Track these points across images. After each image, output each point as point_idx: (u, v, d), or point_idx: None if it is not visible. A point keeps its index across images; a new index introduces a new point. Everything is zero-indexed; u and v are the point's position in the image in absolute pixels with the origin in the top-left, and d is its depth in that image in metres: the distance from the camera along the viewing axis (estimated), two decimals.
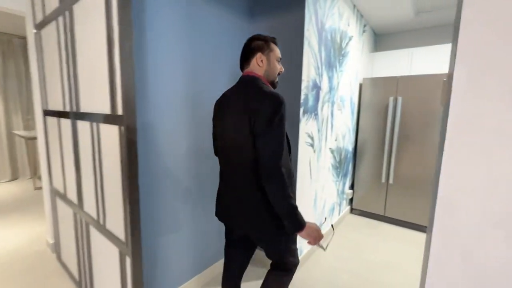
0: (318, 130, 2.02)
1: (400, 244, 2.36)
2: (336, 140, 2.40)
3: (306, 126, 1.82)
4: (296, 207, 0.93)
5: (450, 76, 0.52)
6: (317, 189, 2.10)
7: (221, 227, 1.84)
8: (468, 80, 0.49)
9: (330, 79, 2.12)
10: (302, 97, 1.70)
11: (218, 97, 1.15)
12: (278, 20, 1.73)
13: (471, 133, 0.50)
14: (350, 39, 2.45)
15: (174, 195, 1.47)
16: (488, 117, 0.48)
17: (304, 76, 1.69)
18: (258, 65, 1.04)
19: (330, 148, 2.29)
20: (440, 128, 0.58)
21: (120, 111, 0.99)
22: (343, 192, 2.78)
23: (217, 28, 1.61)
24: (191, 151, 1.54)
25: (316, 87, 1.90)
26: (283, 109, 0.91)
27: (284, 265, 1.12)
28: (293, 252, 1.11)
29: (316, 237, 0.98)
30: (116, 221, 1.11)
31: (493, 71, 0.47)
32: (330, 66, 2.10)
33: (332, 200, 2.47)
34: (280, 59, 1.10)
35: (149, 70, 1.27)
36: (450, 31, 2.88)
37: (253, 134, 0.92)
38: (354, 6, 2.47)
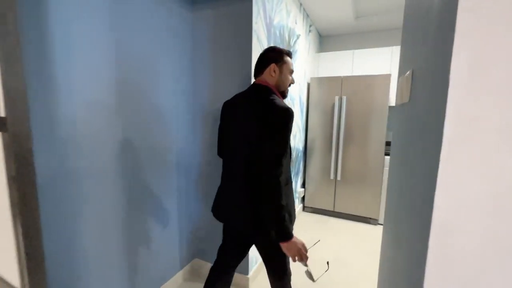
0: None
1: (349, 237, 2.45)
2: None
3: None
4: (284, 216, 0.93)
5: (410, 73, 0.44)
6: None
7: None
8: (470, 74, 0.41)
9: None
10: None
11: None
12: (224, 9, 1.57)
13: (473, 138, 0.43)
14: (298, 37, 2.44)
15: (102, 219, 1.19)
16: (493, 117, 0.41)
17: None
18: (270, 75, 1.09)
19: None
20: (433, 134, 0.49)
21: (1, 112, 0.70)
22: (295, 191, 2.78)
23: (151, 14, 1.37)
24: (125, 163, 1.27)
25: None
26: (291, 123, 0.97)
27: (280, 266, 1.11)
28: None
29: (295, 254, 0.96)
30: (6, 260, 0.81)
31: (496, 64, 0.40)
32: None
33: None
34: (293, 71, 1.14)
35: (59, 59, 0.97)
36: (389, 35, 3.11)
37: (258, 140, 0.97)
38: (301, 4, 2.47)
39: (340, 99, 2.73)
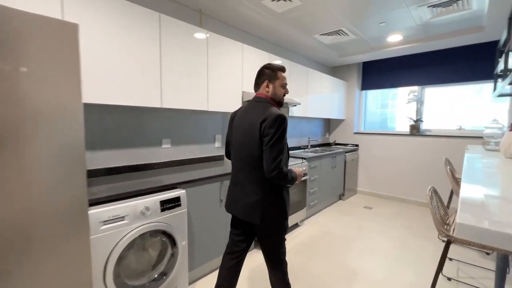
0: None
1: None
2: None
3: None
4: (291, 179, 1.29)
5: None
6: None
7: None
8: None
9: None
10: None
11: None
12: None
13: None
14: None
15: None
16: None
17: None
18: (265, 90, 1.37)
19: None
20: None
21: None
22: None
23: None
24: None
25: None
26: (284, 125, 1.24)
27: (278, 255, 1.36)
28: (284, 243, 1.39)
29: (301, 177, 1.40)
30: None
31: None
32: None
33: None
34: (285, 84, 1.40)
35: None
36: None
37: (261, 142, 1.25)
38: None
39: None
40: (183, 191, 1.70)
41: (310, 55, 3.96)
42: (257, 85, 1.40)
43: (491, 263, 2.22)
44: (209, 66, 2.19)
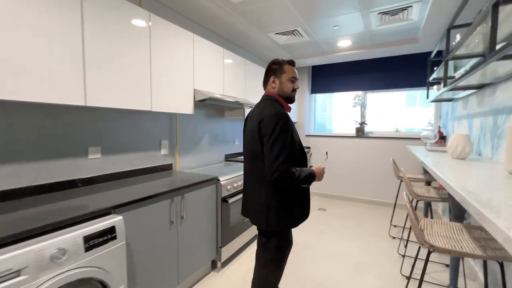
0: None
1: None
2: None
3: None
4: (303, 179, 1.19)
5: None
6: None
7: None
8: None
9: None
10: None
11: None
12: None
13: None
14: None
15: None
16: None
17: None
18: (272, 87, 1.31)
19: None
20: None
21: None
22: None
23: None
24: None
25: None
26: (281, 122, 1.15)
27: (266, 256, 1.31)
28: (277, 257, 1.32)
29: (322, 174, 1.30)
30: None
31: None
32: None
33: None
34: (295, 78, 1.30)
35: None
36: None
37: (262, 143, 1.19)
38: None
39: None
40: (120, 217, 1.27)
41: (264, 55, 3.82)
42: (265, 83, 1.36)
43: (439, 257, 2.38)
44: (153, 57, 1.78)
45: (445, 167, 1.46)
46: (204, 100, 2.14)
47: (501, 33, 1.55)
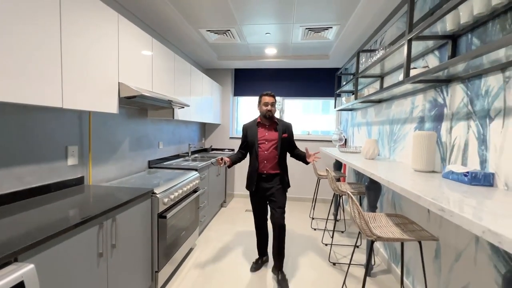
0: None
1: None
2: None
3: None
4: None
5: None
6: None
7: None
8: None
9: None
10: None
11: None
12: None
13: None
14: None
15: None
16: None
17: None
18: (258, 110, 2.23)
19: None
20: None
21: None
22: None
23: None
24: None
25: None
26: (243, 128, 2.27)
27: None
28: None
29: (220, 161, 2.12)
30: None
31: None
32: None
33: None
34: (267, 103, 2.13)
35: None
36: None
37: None
38: None
39: None
40: (30, 266, 0.86)
41: (190, 51, 3.54)
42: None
43: (351, 241, 2.86)
44: (65, 37, 1.31)
45: (369, 167, 1.75)
46: (134, 97, 1.77)
47: (396, 60, 2.01)
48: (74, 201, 1.43)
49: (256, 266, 2.24)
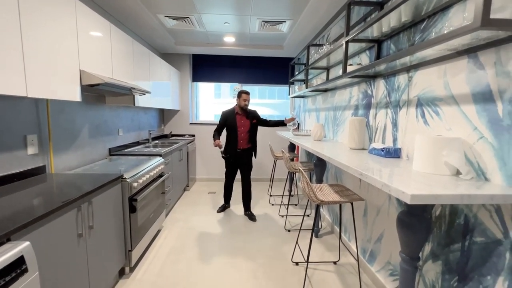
0: None
1: None
2: None
3: None
4: (213, 136, 3.07)
5: None
6: None
7: None
8: None
9: None
10: None
11: None
12: None
13: None
14: None
15: None
16: None
17: None
18: (237, 102, 3.06)
19: None
20: None
21: None
22: None
23: None
24: None
25: None
26: (221, 114, 3.10)
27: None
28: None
29: (216, 144, 2.99)
30: None
31: None
32: None
33: None
34: (244, 100, 3.00)
35: None
36: None
37: None
38: None
39: None
40: (26, 243, 0.96)
41: (146, 35, 3.44)
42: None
43: (302, 211, 3.31)
44: (26, 24, 1.29)
45: (316, 147, 2.11)
46: (97, 85, 1.78)
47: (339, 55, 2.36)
48: (44, 188, 1.46)
49: (222, 209, 3.29)
